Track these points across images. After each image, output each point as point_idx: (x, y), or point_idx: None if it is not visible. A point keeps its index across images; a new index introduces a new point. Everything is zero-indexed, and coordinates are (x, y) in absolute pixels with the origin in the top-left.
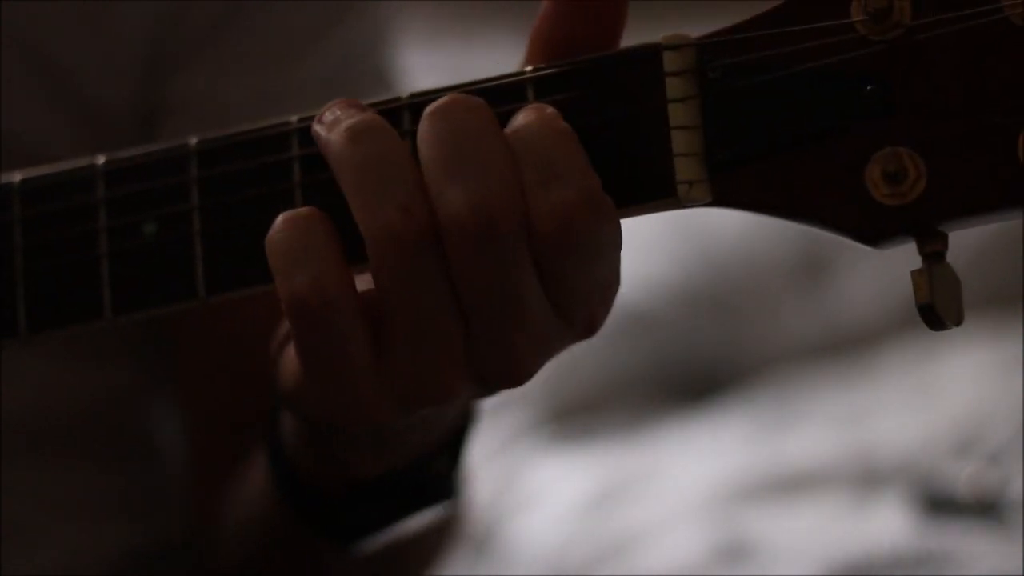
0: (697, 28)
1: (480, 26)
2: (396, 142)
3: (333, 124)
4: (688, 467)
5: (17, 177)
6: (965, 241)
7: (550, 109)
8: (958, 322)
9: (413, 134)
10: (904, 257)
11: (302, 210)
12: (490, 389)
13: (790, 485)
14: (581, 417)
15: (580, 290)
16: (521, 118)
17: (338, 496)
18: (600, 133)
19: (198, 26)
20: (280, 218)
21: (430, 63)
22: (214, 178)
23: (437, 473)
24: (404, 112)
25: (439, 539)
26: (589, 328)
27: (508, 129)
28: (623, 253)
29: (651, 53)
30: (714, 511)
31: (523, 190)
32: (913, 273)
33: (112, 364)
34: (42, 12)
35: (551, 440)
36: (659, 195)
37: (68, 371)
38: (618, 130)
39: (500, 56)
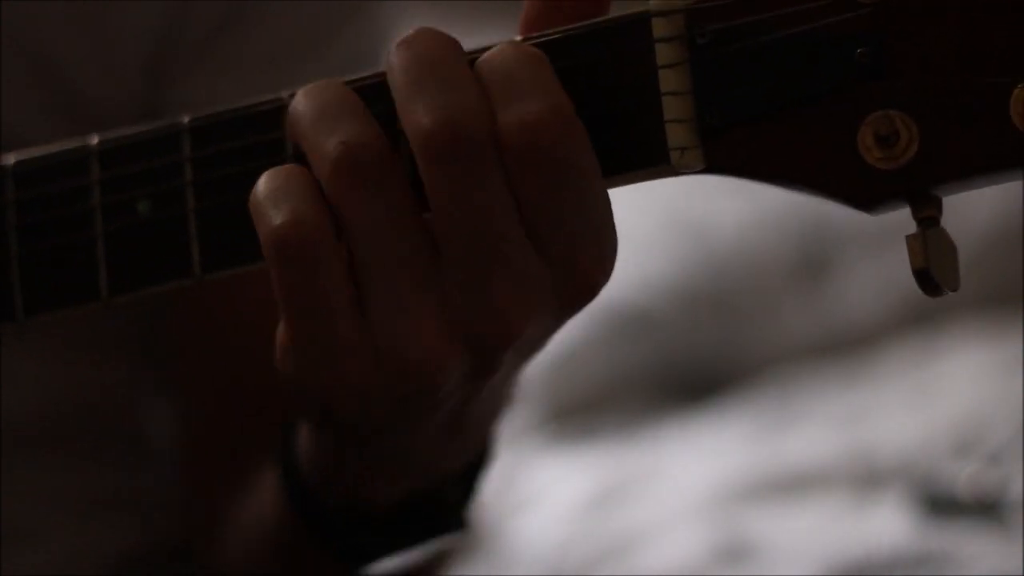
0: None
1: (480, 26)
2: (345, 93)
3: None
4: (688, 467)
5: (11, 159)
6: (965, 241)
7: (522, 41)
8: (955, 287)
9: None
10: (904, 257)
11: (285, 167)
12: (478, 354)
13: (790, 485)
14: (581, 417)
15: (560, 222)
16: (492, 47)
17: (348, 518)
18: (591, 101)
19: (200, 29)
20: (263, 174)
21: None
22: (207, 155)
23: (449, 504)
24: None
25: (445, 566)
26: (581, 280)
27: (477, 57)
28: (622, 253)
29: (640, 20)
30: (714, 511)
31: (491, 108)
32: (908, 238)
33: (110, 363)
34: (43, 14)
35: (551, 440)
36: (652, 162)
37: (66, 370)
38: (609, 98)
39: None
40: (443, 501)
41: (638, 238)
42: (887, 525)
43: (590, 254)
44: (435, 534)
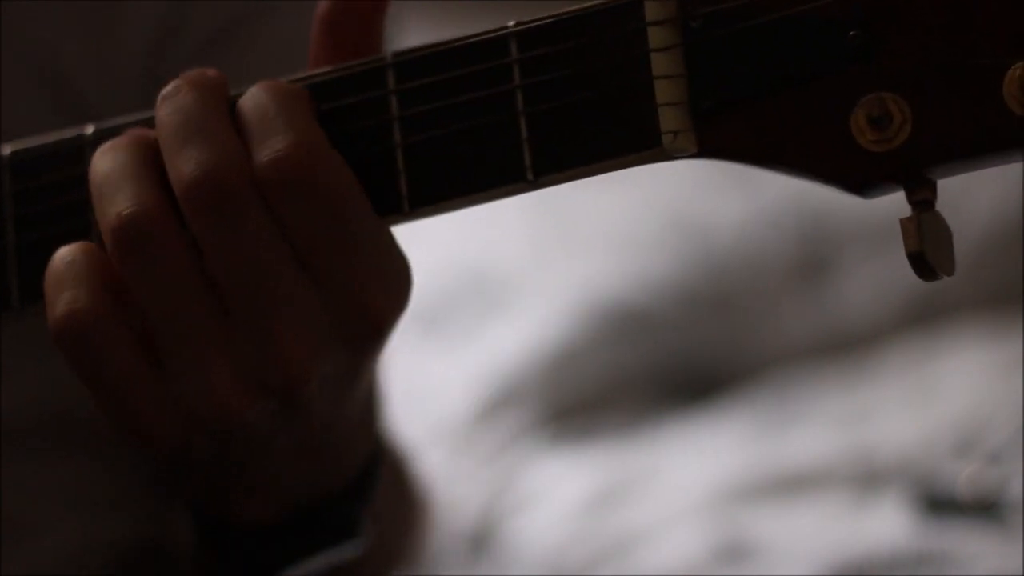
0: None
1: (481, 26)
2: (134, 148)
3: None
4: (688, 467)
5: (7, 150)
6: (965, 241)
7: (280, 80)
8: (950, 272)
9: (398, 92)
10: (905, 257)
11: (75, 245)
12: (277, 398)
13: (790, 485)
14: (581, 417)
15: (332, 255)
16: (247, 88)
17: (231, 536)
18: (584, 85)
19: (201, 31)
20: (55, 255)
21: None
22: None
23: (338, 516)
24: (388, 71)
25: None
26: (366, 312)
27: (238, 99)
28: (622, 254)
29: (633, 3)
30: (714, 511)
31: (247, 152)
32: (902, 221)
33: None
34: (45, 17)
35: (551, 440)
36: (644, 146)
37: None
38: (602, 82)
39: None
40: (329, 513)
41: (638, 238)
42: (887, 525)
43: (372, 286)
44: (322, 547)
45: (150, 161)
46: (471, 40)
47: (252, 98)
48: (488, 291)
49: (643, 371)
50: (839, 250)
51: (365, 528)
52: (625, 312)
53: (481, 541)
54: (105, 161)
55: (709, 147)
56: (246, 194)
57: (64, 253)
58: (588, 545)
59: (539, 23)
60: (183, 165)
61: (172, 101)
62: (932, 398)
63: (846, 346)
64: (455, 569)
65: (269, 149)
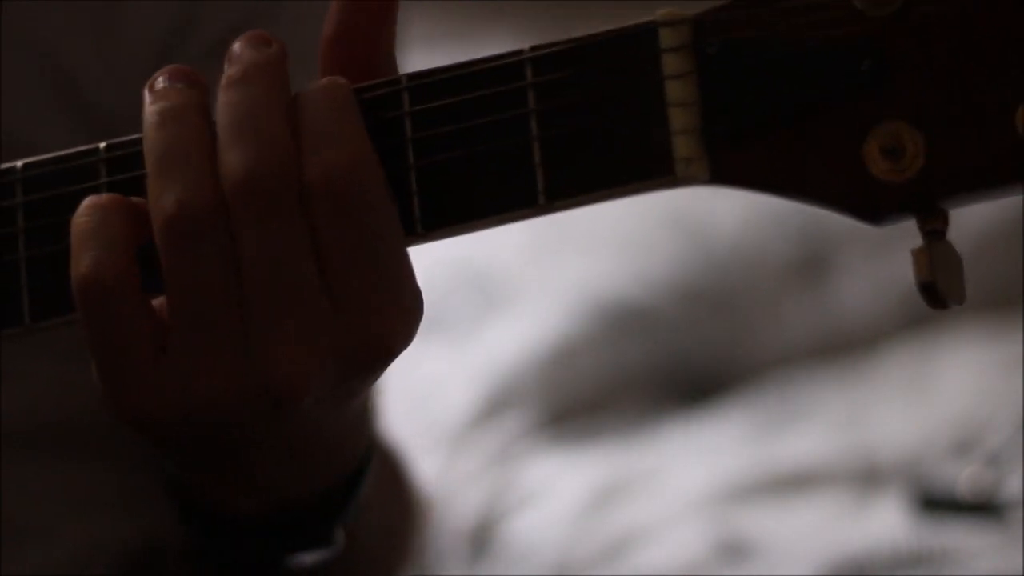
0: (694, 6)
1: (481, 26)
2: (192, 128)
3: (152, 100)
4: (688, 466)
5: (19, 164)
6: (965, 241)
7: (339, 80)
8: (960, 301)
9: (412, 115)
10: (904, 257)
11: (103, 196)
12: (271, 405)
13: (790, 484)
14: (581, 417)
15: (355, 270)
16: (310, 87)
17: (218, 530)
18: (598, 111)
19: (209, 33)
20: (84, 202)
21: (430, 64)
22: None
23: (324, 514)
24: (403, 93)
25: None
26: (375, 334)
27: (297, 95)
28: (622, 253)
29: (648, 30)
30: (714, 510)
31: (299, 155)
32: (913, 251)
33: None
34: (52, 17)
35: (551, 440)
36: (657, 173)
37: (70, 368)
38: (616, 108)
39: None
40: (315, 511)
41: (638, 237)
42: (886, 525)
43: (388, 311)
44: (300, 549)
45: (208, 145)
46: (486, 64)
47: (311, 100)
48: (488, 290)
49: (643, 371)
50: (839, 250)
51: (340, 534)
52: (625, 311)
53: (481, 541)
54: (164, 134)
55: (722, 175)
56: (288, 198)
57: (98, 205)
58: (588, 545)
59: (554, 48)
60: (233, 160)
61: (234, 91)
62: (932, 398)
63: (846, 346)
64: (455, 569)
65: (323, 158)
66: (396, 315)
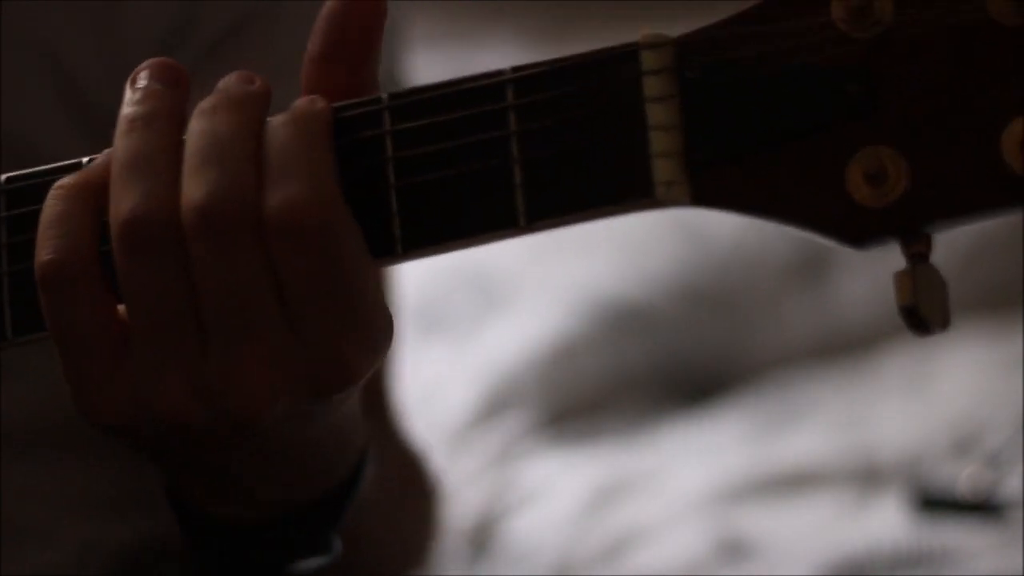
0: (677, 28)
1: (482, 26)
2: (162, 136)
3: (129, 100)
4: (688, 467)
5: (3, 177)
6: (964, 241)
7: (317, 105)
8: (944, 325)
9: (393, 134)
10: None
11: (70, 180)
12: (227, 424)
13: (790, 484)
14: (581, 417)
15: (318, 306)
16: (280, 117)
17: (217, 536)
18: (579, 133)
19: (209, 32)
20: (54, 185)
21: (432, 64)
22: None
23: (319, 521)
24: (384, 113)
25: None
26: (339, 363)
27: (268, 124)
28: (622, 252)
29: (629, 52)
30: (714, 510)
31: (261, 188)
32: (896, 275)
33: None
34: (52, 17)
35: (551, 440)
36: (637, 195)
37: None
38: (597, 129)
39: (502, 57)
40: (309, 519)
41: (638, 236)
42: (887, 524)
43: (352, 339)
44: (296, 556)
45: (176, 157)
46: (468, 85)
47: (280, 129)
48: (488, 290)
49: (643, 371)
50: (839, 250)
51: (337, 541)
52: (625, 311)
53: (481, 541)
54: (132, 140)
55: (703, 198)
56: (245, 228)
57: (64, 193)
58: (588, 545)
59: (536, 69)
60: (194, 187)
61: (206, 120)
62: (931, 398)
63: (846, 346)
64: (455, 569)
65: (283, 192)
66: (359, 341)
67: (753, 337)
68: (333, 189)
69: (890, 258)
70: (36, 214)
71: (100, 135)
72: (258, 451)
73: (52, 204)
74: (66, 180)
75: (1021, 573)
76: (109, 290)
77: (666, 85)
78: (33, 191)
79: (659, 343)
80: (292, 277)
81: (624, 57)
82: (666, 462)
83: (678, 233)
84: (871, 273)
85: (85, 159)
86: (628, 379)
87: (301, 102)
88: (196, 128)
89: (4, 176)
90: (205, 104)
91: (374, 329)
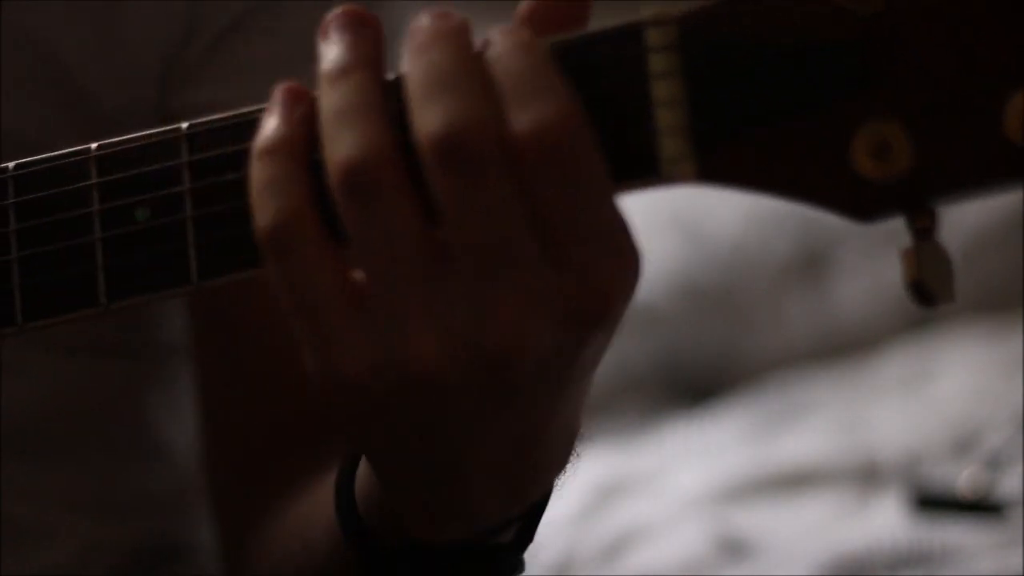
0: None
1: (481, 26)
2: (368, 84)
3: (326, 52)
4: (688, 466)
5: (11, 164)
6: (964, 241)
7: (524, 31)
8: (950, 299)
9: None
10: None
11: (267, 142)
12: (486, 370)
13: (790, 484)
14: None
15: (574, 227)
16: (497, 41)
17: (406, 559)
18: (584, 110)
19: (211, 32)
20: (254, 159)
21: None
22: (206, 162)
23: (502, 548)
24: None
25: None
26: (595, 291)
27: (486, 53)
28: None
29: (634, 30)
30: (714, 510)
31: (501, 111)
32: (902, 250)
33: (116, 362)
34: (52, 16)
35: None
36: (643, 172)
37: (71, 368)
38: (602, 107)
39: None
40: (499, 545)
41: (638, 236)
42: (886, 524)
43: (607, 264)
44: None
45: (381, 102)
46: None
47: (507, 55)
48: None
49: (644, 370)
50: (839, 249)
51: (522, 564)
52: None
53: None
54: (337, 92)
55: (708, 174)
56: (495, 156)
57: (270, 155)
58: (588, 544)
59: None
60: (430, 120)
61: (422, 56)
62: (931, 398)
63: (846, 346)
64: None
65: (532, 114)
66: (616, 269)
67: (753, 337)
68: (579, 107)
69: (890, 258)
70: (44, 200)
71: (100, 135)
72: (515, 426)
73: (260, 168)
74: (266, 143)
75: (1021, 573)
76: (337, 242)
77: (670, 62)
78: (41, 178)
79: (660, 342)
80: (544, 201)
81: (629, 34)
82: (666, 462)
83: (679, 232)
84: (871, 273)
85: (94, 145)
86: (628, 379)
87: (510, 30)
88: (415, 65)
89: (13, 163)
90: (413, 44)
91: (627, 255)
